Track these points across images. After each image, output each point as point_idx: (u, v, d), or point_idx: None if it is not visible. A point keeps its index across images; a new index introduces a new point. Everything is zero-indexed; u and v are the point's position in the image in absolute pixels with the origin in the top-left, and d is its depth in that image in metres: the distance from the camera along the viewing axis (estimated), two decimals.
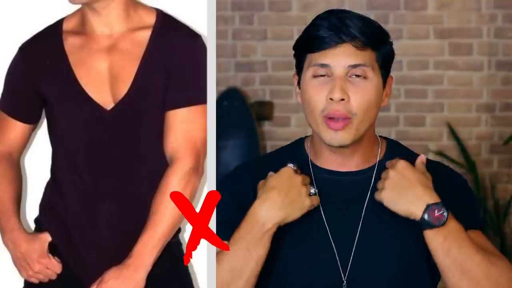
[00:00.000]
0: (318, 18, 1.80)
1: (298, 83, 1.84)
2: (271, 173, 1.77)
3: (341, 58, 1.74)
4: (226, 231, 1.79)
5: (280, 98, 4.16)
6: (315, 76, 1.77)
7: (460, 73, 4.14)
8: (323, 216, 1.80)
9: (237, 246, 1.73)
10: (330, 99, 1.74)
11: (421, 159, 1.78)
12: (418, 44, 4.14)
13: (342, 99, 1.73)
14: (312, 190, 1.76)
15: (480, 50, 4.12)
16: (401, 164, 1.75)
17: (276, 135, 4.18)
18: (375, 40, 1.77)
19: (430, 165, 1.83)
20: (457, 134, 4.10)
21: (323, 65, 1.75)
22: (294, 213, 1.74)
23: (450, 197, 1.78)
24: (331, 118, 1.74)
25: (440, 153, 4.06)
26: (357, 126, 1.75)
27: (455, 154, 4.10)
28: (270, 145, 4.17)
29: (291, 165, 1.76)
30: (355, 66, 1.74)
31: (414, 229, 1.76)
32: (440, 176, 1.81)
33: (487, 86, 4.13)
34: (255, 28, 4.20)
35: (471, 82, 4.14)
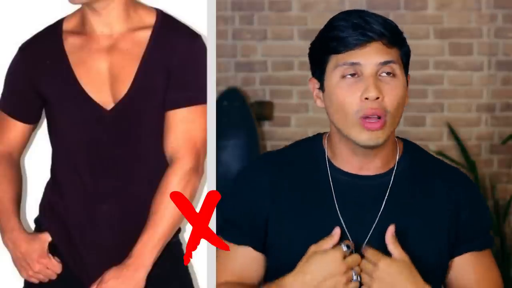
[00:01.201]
0: (336, 19, 1.77)
1: (320, 87, 1.79)
2: (314, 249, 1.70)
3: (371, 56, 1.72)
4: (237, 231, 1.82)
5: (280, 98, 4.16)
6: (343, 77, 1.73)
7: (460, 73, 4.14)
8: (341, 220, 1.78)
9: None
10: (366, 98, 1.70)
11: (390, 232, 1.71)
12: (418, 44, 4.14)
13: (377, 98, 1.70)
14: (354, 277, 1.69)
15: (480, 50, 4.12)
16: (383, 264, 1.68)
17: (276, 135, 4.17)
18: (399, 37, 1.76)
19: (449, 172, 1.83)
20: (457, 134, 4.10)
21: (353, 64, 1.72)
22: None
23: (465, 212, 1.79)
24: (366, 118, 1.71)
25: (440, 153, 4.06)
26: (390, 125, 1.73)
27: (455, 154, 4.10)
28: (270, 145, 4.17)
29: (344, 247, 1.70)
30: (385, 63, 1.72)
31: (430, 235, 1.76)
32: (459, 187, 1.81)
33: (487, 86, 4.13)
34: (255, 28, 4.20)
35: (471, 82, 4.14)
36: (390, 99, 1.71)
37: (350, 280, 1.69)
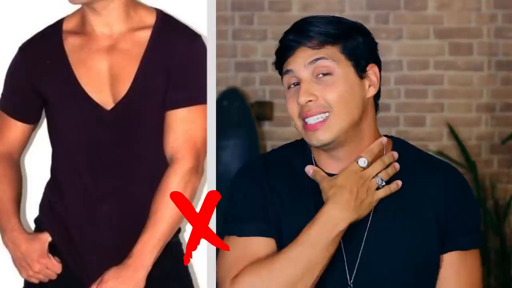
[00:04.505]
0: (285, 30, 1.80)
1: None
2: (326, 181, 1.74)
3: (299, 59, 1.74)
4: (250, 226, 1.78)
5: (280, 98, 4.16)
6: (289, 87, 1.78)
7: (460, 73, 4.14)
8: None
9: (309, 245, 1.71)
10: (299, 104, 1.74)
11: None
12: (418, 44, 4.14)
13: (310, 101, 1.73)
14: (379, 181, 1.74)
15: (480, 50, 4.12)
16: None
17: (276, 135, 4.18)
18: (334, 35, 1.75)
19: (439, 166, 1.82)
20: (457, 134, 4.10)
21: (288, 71, 1.76)
22: (365, 211, 1.73)
23: (454, 207, 1.78)
24: (308, 121, 1.74)
25: (440, 153, 4.06)
26: (336, 121, 1.73)
27: (455, 154, 4.10)
28: (270, 145, 4.17)
29: (361, 160, 1.74)
30: (313, 61, 1.73)
31: (422, 232, 1.76)
32: (449, 182, 1.80)
33: (487, 86, 4.13)
34: (255, 28, 4.20)
35: (471, 82, 4.14)
36: (326, 97, 1.73)
37: (378, 187, 1.73)
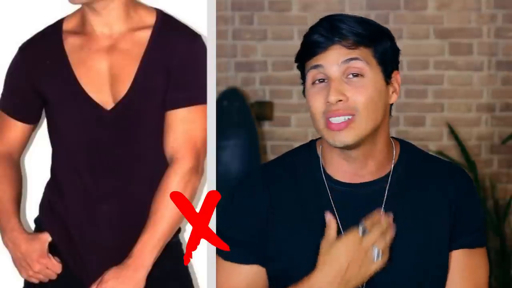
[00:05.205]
0: (312, 26, 1.78)
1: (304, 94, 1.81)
2: (326, 243, 1.72)
3: (332, 57, 1.72)
4: (244, 250, 1.78)
5: (280, 98, 4.16)
6: (314, 83, 1.75)
7: (460, 73, 4.14)
8: (341, 230, 1.76)
9: None
10: (328, 102, 1.71)
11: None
12: (418, 44, 4.14)
13: (340, 100, 1.71)
14: (375, 253, 1.71)
15: (480, 50, 4.12)
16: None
17: (276, 135, 4.17)
18: (368, 37, 1.74)
19: (445, 167, 1.83)
20: (457, 134, 4.10)
21: (316, 66, 1.73)
22: (355, 284, 1.72)
23: (458, 207, 1.79)
24: (332, 118, 1.71)
25: (440, 153, 4.06)
26: (360, 124, 1.71)
27: (455, 154, 4.10)
28: (270, 145, 4.17)
29: (361, 228, 1.71)
30: (348, 60, 1.72)
31: (430, 240, 1.76)
32: (454, 182, 1.81)
33: (487, 86, 4.13)
34: (255, 28, 4.20)
35: (471, 82, 4.14)
36: (356, 99, 1.71)
37: (372, 259, 1.71)
